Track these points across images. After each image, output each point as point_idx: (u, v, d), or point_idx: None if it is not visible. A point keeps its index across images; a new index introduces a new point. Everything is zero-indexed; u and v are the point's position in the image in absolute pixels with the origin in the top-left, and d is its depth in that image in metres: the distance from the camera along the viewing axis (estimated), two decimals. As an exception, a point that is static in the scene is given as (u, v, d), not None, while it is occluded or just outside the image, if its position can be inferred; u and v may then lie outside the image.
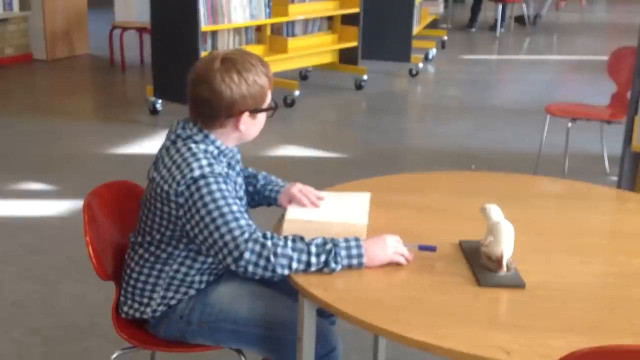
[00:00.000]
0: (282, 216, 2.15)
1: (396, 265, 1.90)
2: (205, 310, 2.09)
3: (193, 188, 1.91)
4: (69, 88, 7.63)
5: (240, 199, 2.12)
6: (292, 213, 2.10)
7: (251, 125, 2.06)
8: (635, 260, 1.97)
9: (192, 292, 2.11)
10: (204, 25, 5.95)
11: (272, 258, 1.85)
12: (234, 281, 2.15)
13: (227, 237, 1.87)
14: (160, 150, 2.07)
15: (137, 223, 2.14)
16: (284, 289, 2.10)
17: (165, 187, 1.96)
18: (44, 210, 4.32)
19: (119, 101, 7.23)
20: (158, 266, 2.08)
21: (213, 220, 1.89)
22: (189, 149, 1.98)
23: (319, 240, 1.87)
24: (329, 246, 1.86)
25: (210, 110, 2.01)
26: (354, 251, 1.87)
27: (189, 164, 1.94)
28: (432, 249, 1.97)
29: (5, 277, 3.54)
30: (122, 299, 2.17)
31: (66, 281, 3.48)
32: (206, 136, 2.03)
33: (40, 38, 8.57)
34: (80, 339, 3.00)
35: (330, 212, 2.10)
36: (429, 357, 1.70)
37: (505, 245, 1.84)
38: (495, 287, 1.79)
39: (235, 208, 1.91)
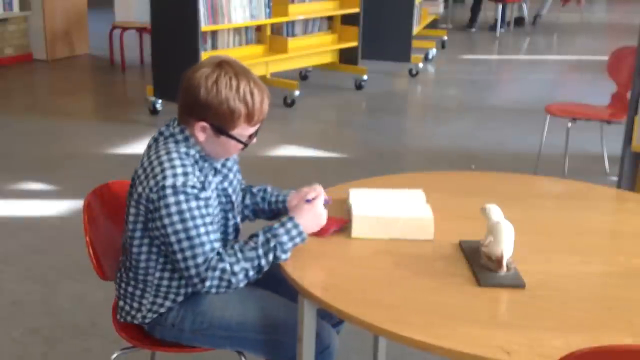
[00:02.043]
0: (348, 212, 2.14)
1: (395, 265, 1.90)
2: (196, 319, 2.06)
3: (161, 203, 1.87)
4: (69, 88, 7.63)
5: (229, 202, 2.09)
6: (358, 209, 2.09)
7: (213, 142, 1.97)
8: (635, 260, 1.97)
9: (180, 298, 2.08)
10: (204, 25, 5.96)
11: (232, 279, 1.88)
12: None
13: (190, 263, 1.88)
14: (145, 149, 2.05)
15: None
16: (280, 289, 2.10)
17: (140, 188, 1.94)
18: (44, 210, 4.33)
19: (119, 101, 7.23)
20: (142, 272, 2.05)
21: (179, 241, 1.88)
22: (168, 152, 1.93)
23: (262, 239, 1.91)
24: (272, 243, 1.90)
25: (180, 100, 1.98)
26: (294, 232, 1.92)
27: (163, 170, 1.89)
28: (326, 202, 2.07)
29: (5, 277, 3.54)
30: (117, 302, 2.17)
31: (66, 281, 3.48)
32: (187, 138, 1.97)
33: (40, 38, 8.57)
34: (80, 339, 3.01)
35: (394, 208, 2.10)
36: (429, 357, 1.70)
37: (505, 245, 1.84)
38: (495, 287, 1.79)
39: (202, 230, 1.89)
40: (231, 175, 2.12)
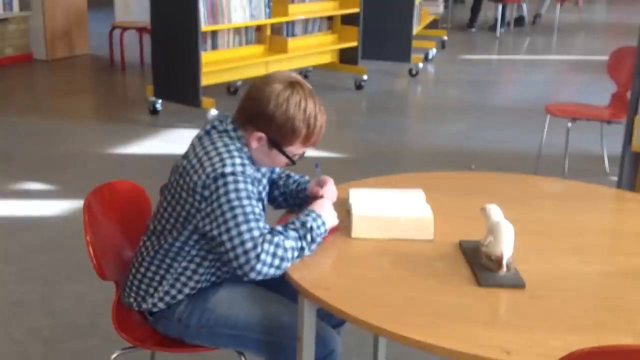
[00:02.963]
0: (348, 211, 2.14)
1: (395, 265, 1.90)
2: (203, 315, 2.08)
3: (220, 182, 1.91)
4: (69, 88, 7.63)
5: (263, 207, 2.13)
6: (358, 209, 2.09)
7: (263, 153, 2.05)
8: (635, 260, 1.97)
9: (194, 291, 2.10)
10: (204, 25, 5.95)
11: (284, 255, 1.88)
12: (234, 285, 2.14)
13: (246, 236, 1.87)
14: (193, 139, 2.07)
15: (156, 209, 2.13)
16: (284, 291, 2.10)
17: (195, 177, 1.95)
18: (44, 210, 4.32)
19: (119, 101, 7.23)
20: (168, 260, 2.07)
21: (234, 217, 1.89)
22: (225, 144, 1.98)
23: (297, 223, 1.95)
24: (309, 224, 1.95)
25: (243, 105, 2.04)
26: (319, 221, 1.98)
27: (222, 159, 1.94)
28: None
29: (5, 277, 3.54)
30: (128, 284, 2.17)
31: (66, 281, 3.48)
32: (239, 137, 2.03)
33: (40, 38, 8.57)
34: (80, 339, 3.01)
35: (394, 207, 2.11)
36: (429, 357, 1.70)
37: (505, 245, 1.84)
38: (495, 287, 1.79)
39: (257, 210, 1.93)
40: (264, 181, 2.16)
